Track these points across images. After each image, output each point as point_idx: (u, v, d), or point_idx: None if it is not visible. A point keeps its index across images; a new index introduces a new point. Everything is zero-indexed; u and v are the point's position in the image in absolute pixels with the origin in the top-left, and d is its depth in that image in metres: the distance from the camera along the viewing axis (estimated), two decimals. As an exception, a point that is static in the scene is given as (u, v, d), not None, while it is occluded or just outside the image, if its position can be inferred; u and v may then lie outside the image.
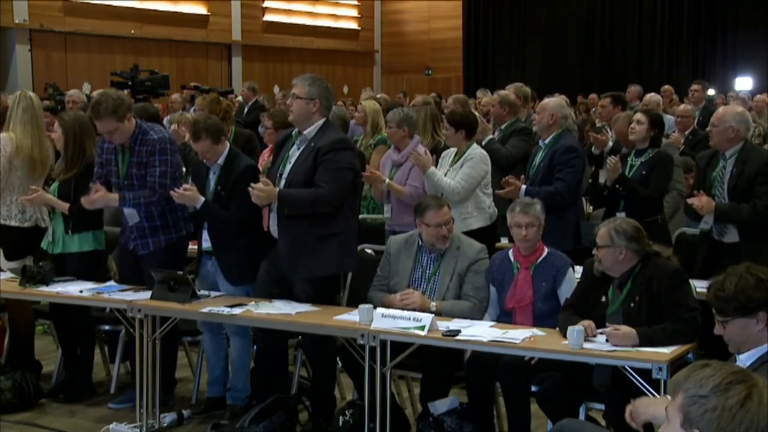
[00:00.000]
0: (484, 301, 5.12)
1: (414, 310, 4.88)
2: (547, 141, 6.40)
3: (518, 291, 4.93)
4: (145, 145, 5.55)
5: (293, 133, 5.39)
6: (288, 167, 5.26)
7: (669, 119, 9.91)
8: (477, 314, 5.03)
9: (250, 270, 5.49)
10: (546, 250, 5.03)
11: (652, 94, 11.42)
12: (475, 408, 4.92)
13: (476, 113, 7.45)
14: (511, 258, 5.06)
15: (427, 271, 5.24)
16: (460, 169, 6.41)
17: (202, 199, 5.44)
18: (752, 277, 3.22)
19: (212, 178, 5.59)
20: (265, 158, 7.13)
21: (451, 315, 4.96)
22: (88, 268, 5.88)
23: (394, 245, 5.39)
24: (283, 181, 5.23)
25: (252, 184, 5.13)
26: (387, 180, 6.61)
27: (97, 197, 5.57)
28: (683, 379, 2.19)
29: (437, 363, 4.97)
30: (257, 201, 5.15)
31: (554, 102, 6.69)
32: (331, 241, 5.19)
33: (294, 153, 5.31)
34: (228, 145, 5.66)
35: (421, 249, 5.28)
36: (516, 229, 5.01)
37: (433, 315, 4.60)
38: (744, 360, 3.18)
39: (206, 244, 5.59)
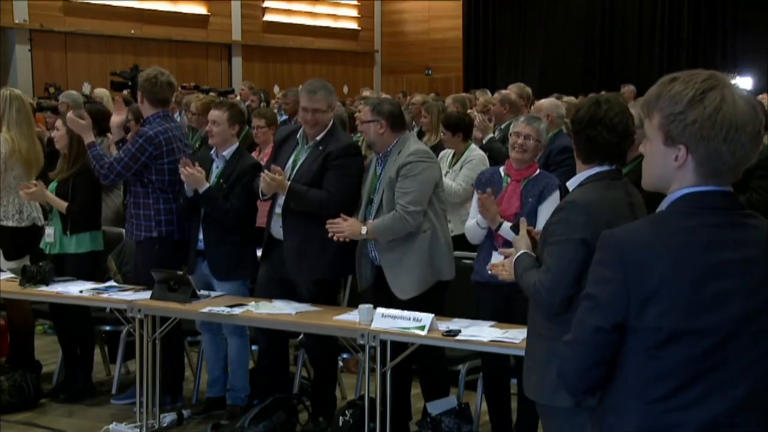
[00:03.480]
0: (412, 205, 4.87)
1: (346, 238, 4.91)
2: (543, 141, 6.41)
3: (505, 201, 4.79)
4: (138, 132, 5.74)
5: (299, 135, 5.38)
6: (294, 168, 5.27)
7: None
8: (402, 222, 4.87)
9: (238, 267, 5.53)
10: (538, 170, 4.96)
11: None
12: (493, 407, 4.96)
13: (475, 112, 7.45)
14: (502, 172, 4.97)
15: (377, 177, 5.13)
16: (460, 171, 6.42)
17: (207, 184, 5.46)
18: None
19: (214, 172, 5.61)
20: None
21: (382, 231, 4.91)
22: (87, 269, 5.88)
23: (369, 161, 5.38)
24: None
25: (264, 171, 5.14)
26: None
27: (83, 125, 5.68)
28: (655, 99, 2.20)
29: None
30: (265, 189, 5.16)
31: (549, 102, 6.74)
32: (335, 243, 5.21)
33: (300, 154, 5.32)
34: (237, 141, 5.70)
35: (378, 159, 5.17)
36: (514, 137, 4.96)
37: (432, 315, 4.57)
38: (570, 185, 3.43)
39: (201, 245, 5.60)
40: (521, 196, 4.81)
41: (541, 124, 5.00)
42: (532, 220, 4.71)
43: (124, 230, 6.16)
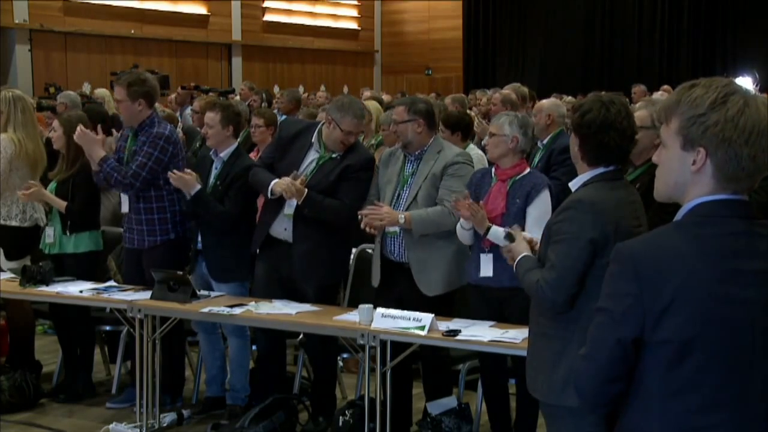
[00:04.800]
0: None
1: (382, 227, 4.91)
2: (545, 141, 6.43)
3: (490, 202, 4.74)
4: (146, 135, 5.60)
5: (314, 138, 5.34)
6: (309, 174, 5.24)
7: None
8: (448, 218, 4.89)
9: (236, 269, 5.53)
10: (528, 170, 4.89)
11: (660, 93, 11.47)
12: (492, 407, 4.95)
13: (473, 113, 7.47)
14: (493, 172, 4.93)
15: (406, 174, 5.13)
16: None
17: (198, 186, 5.44)
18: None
19: (213, 173, 5.61)
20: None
21: (422, 223, 4.91)
22: (86, 268, 5.88)
23: (384, 157, 5.35)
24: None
25: (286, 179, 5.12)
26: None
27: (94, 140, 5.54)
28: (675, 104, 2.16)
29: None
30: (284, 193, 5.14)
31: (550, 102, 6.76)
32: (343, 249, 5.29)
33: (312, 157, 5.30)
34: (236, 143, 5.68)
35: (406, 156, 5.17)
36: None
37: (432, 315, 4.57)
38: (572, 186, 3.42)
39: (200, 245, 5.60)
40: (507, 196, 4.74)
41: (500, 118, 4.91)
42: (520, 221, 4.65)
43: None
